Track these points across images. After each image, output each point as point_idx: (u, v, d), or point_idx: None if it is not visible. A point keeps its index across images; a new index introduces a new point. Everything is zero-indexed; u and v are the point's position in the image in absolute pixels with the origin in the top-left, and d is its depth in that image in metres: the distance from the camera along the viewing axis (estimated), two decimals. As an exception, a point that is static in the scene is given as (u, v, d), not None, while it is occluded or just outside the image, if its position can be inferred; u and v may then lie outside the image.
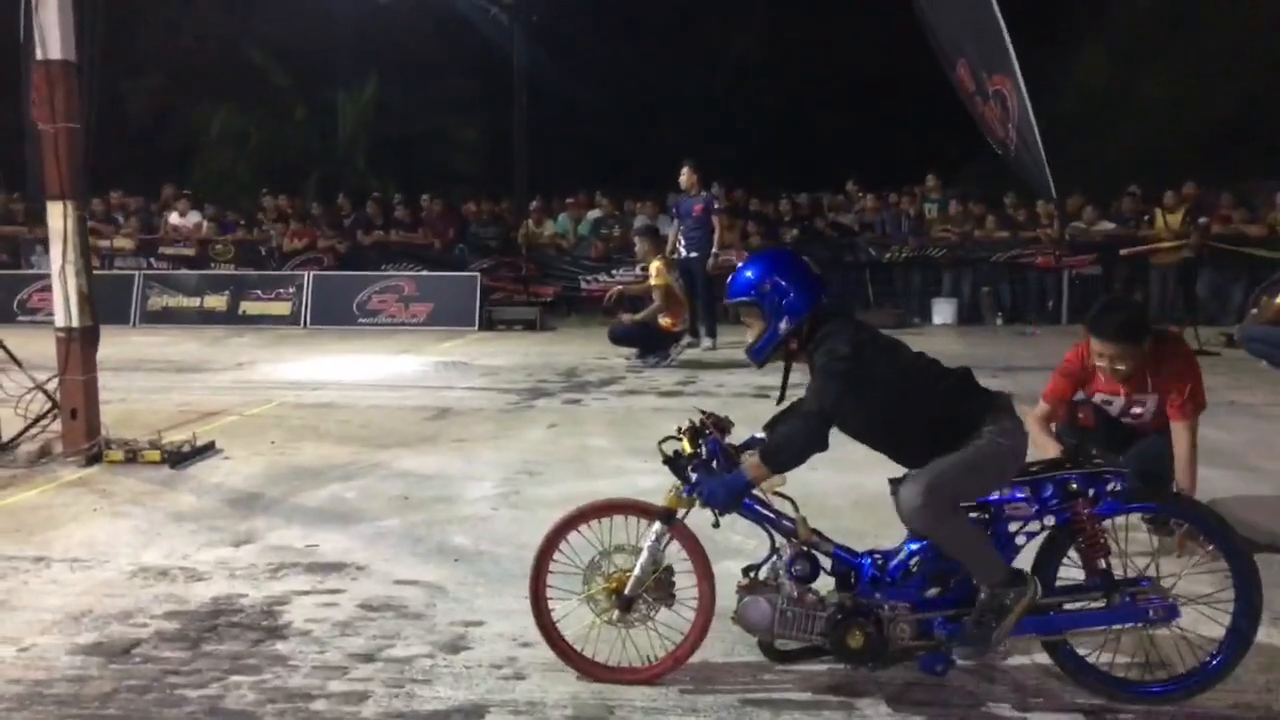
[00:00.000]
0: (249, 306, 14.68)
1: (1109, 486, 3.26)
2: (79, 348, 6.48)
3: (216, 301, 14.75)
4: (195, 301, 14.77)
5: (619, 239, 15.44)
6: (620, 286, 11.78)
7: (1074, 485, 3.23)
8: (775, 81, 22.54)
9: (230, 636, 3.80)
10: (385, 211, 16.59)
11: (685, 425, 3.44)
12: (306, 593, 4.25)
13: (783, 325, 3.29)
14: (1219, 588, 3.31)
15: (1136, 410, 4.62)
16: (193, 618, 3.98)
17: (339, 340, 12.98)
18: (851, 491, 5.42)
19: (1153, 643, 3.33)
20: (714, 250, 11.77)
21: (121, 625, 3.90)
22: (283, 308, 14.61)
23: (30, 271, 15.15)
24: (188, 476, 6.15)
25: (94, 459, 6.36)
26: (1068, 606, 3.29)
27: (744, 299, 3.33)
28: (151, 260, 15.93)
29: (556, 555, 3.50)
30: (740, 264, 3.48)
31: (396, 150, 22.06)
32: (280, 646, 3.71)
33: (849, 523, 4.78)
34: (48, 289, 12.83)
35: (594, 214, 16.30)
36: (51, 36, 6.40)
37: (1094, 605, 3.27)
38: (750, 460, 3.25)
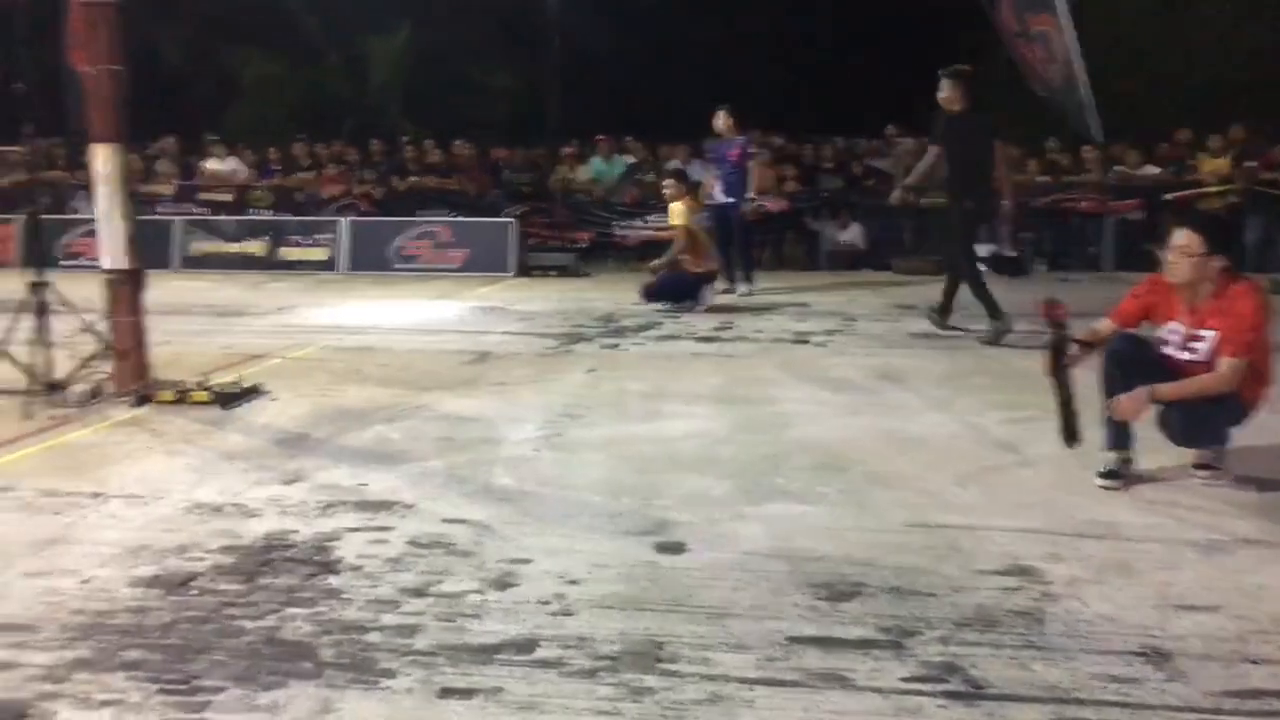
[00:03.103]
0: (287, 252, 14.78)
1: None
2: (126, 290, 6.57)
3: (255, 247, 14.85)
4: (235, 247, 14.87)
5: (652, 185, 15.35)
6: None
7: None
8: (814, 24, 22.16)
9: (284, 571, 3.88)
10: (420, 157, 16.56)
11: None
12: (356, 529, 4.32)
13: None
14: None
15: (1195, 345, 4.54)
16: (247, 552, 4.06)
17: (376, 285, 13.05)
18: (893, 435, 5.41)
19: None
20: (750, 195, 11.69)
21: (179, 559, 3.99)
22: (320, 253, 14.69)
23: (72, 217, 15.25)
24: (236, 417, 6.24)
25: (144, 399, 6.46)
26: None
27: None
28: (190, 206, 16.01)
29: None
30: None
31: (430, 95, 21.95)
32: (333, 581, 3.78)
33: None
34: (90, 235, 13.01)
35: (627, 159, 16.20)
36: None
37: None
38: None
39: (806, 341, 8.42)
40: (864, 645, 3.26)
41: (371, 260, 14.40)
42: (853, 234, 14.32)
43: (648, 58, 21.01)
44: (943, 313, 8.81)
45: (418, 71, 22.39)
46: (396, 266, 14.33)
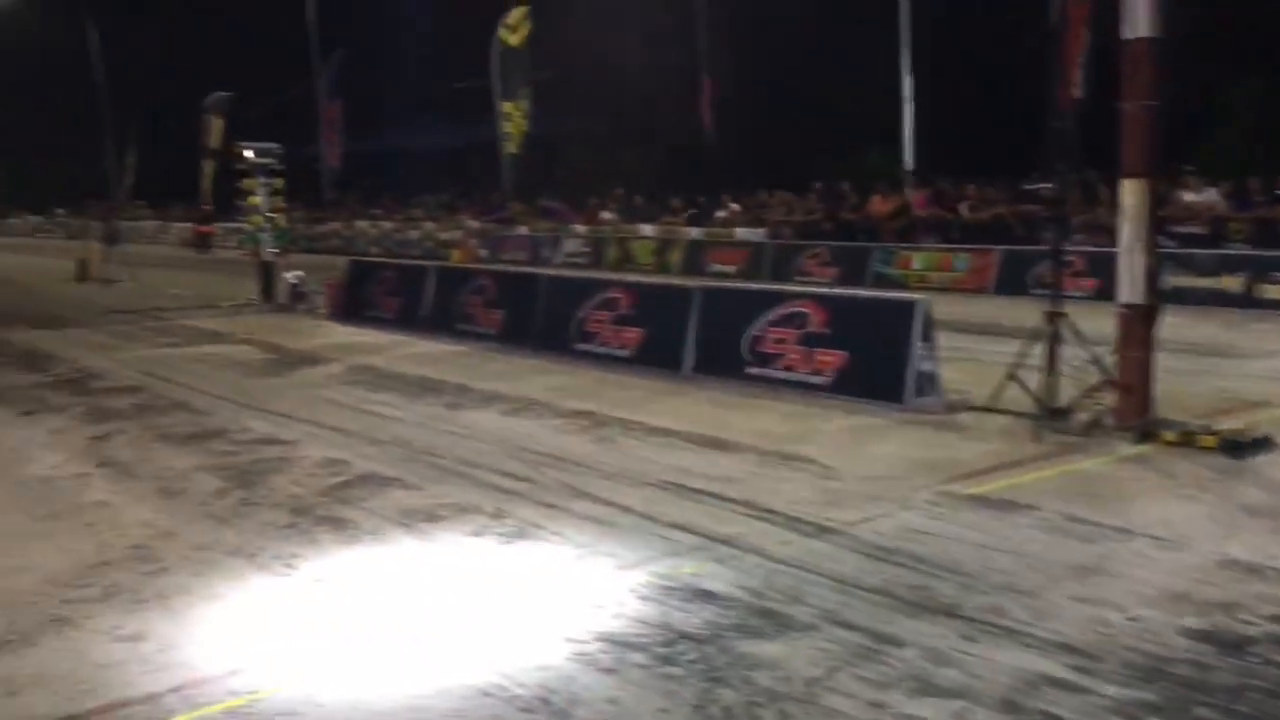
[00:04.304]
0: (1268, 290, 13.46)
1: None
2: (1140, 325, 6.53)
3: (1231, 283, 13.84)
4: (1208, 281, 14.06)
5: None
6: None
7: None
8: None
9: (1363, 661, 3.39)
10: None
11: None
12: None
13: None
14: None
15: None
16: (1303, 627, 3.65)
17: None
18: None
19: None
20: None
21: (1225, 617, 3.76)
22: (1310, 293, 13.09)
23: (1040, 249, 15.80)
24: (1249, 468, 5.77)
25: (1145, 437, 6.36)
26: None
27: None
28: (1163, 238, 15.55)
29: None
30: None
31: None
32: None
33: None
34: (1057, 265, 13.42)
35: None
36: (1139, 14, 6.46)
37: None
38: None
39: None
40: None
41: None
42: None
43: None
44: None
45: None
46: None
